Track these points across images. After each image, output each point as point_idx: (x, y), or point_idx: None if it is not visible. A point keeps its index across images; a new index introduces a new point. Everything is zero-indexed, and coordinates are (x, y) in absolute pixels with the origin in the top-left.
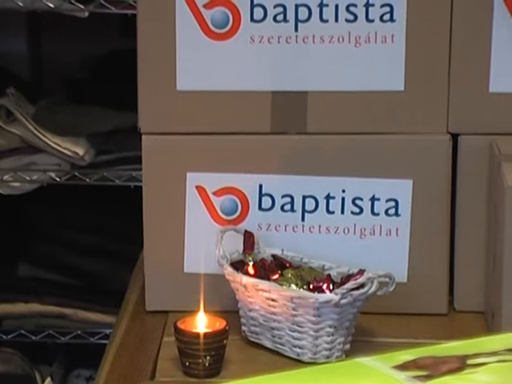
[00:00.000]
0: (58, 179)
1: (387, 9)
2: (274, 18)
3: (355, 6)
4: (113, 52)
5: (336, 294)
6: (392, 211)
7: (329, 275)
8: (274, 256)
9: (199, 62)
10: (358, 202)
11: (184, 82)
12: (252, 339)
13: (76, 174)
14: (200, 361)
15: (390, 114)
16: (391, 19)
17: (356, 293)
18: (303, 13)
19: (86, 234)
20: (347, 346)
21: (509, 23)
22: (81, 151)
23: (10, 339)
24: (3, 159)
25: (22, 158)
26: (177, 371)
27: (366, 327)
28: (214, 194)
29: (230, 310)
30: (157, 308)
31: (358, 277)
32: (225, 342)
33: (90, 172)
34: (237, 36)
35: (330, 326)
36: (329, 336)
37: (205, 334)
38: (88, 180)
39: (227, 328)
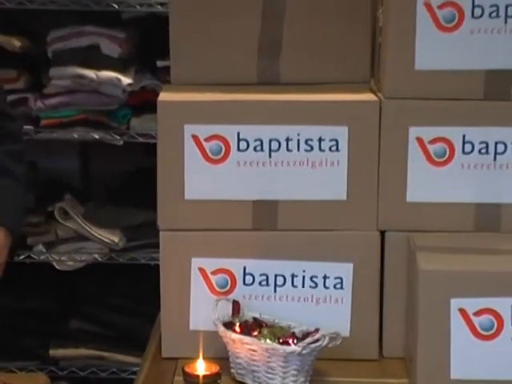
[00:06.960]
0: (99, 259)
1: (334, 142)
2: (254, 149)
3: (312, 140)
4: (140, 169)
5: (299, 346)
6: (339, 286)
7: (293, 333)
8: (254, 318)
9: (201, 179)
10: (314, 279)
11: (191, 193)
12: (238, 379)
13: (112, 255)
14: None
15: (337, 216)
16: (337, 149)
17: (313, 345)
18: (275, 145)
19: (119, 298)
20: None
21: (419, 157)
22: (116, 239)
23: (65, 375)
24: (62, 245)
25: (74, 244)
26: None
27: (321, 370)
28: (212, 273)
29: (222, 357)
30: (170, 355)
31: (314, 334)
32: (219, 381)
33: (123, 254)
34: (228, 161)
35: (295, 370)
36: (294, 377)
37: (204, 376)
38: (121, 260)
39: (220, 371)
